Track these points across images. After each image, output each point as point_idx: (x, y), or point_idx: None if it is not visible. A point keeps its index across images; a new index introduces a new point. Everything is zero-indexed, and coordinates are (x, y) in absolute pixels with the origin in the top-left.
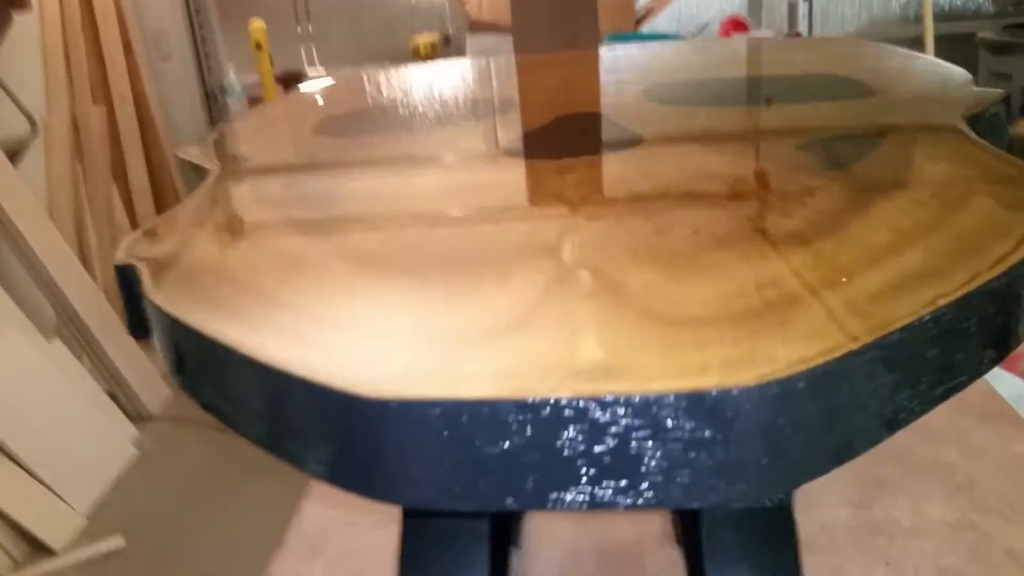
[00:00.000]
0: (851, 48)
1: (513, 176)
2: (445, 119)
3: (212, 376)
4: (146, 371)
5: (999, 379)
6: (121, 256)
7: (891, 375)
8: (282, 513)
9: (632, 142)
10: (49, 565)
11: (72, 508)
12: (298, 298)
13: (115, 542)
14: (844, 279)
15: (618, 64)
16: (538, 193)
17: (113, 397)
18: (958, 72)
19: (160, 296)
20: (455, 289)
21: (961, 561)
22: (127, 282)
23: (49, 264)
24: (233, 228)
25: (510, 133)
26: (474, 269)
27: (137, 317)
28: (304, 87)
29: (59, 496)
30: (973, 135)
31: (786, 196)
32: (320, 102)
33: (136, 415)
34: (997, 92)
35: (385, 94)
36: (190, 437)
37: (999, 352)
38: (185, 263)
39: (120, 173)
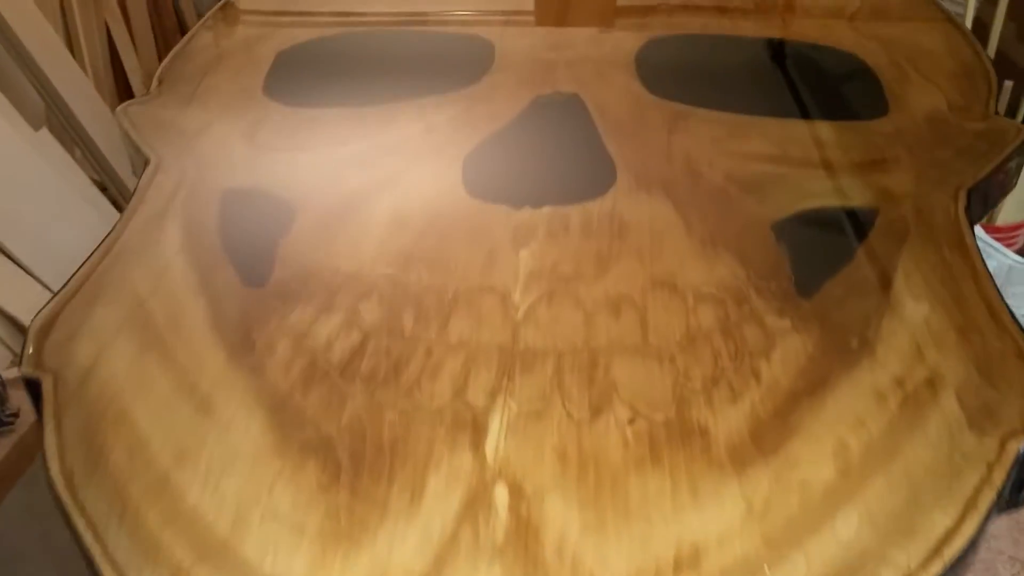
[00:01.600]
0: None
1: (462, 248)
2: (416, 96)
3: None
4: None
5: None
6: (28, 362)
7: None
8: None
9: (605, 181)
10: None
11: None
12: (193, 491)
13: None
14: (766, 566)
15: None
16: (483, 291)
17: (103, 189)
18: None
19: (55, 464)
20: (362, 500)
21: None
22: (36, 393)
23: (32, 47)
24: (148, 329)
25: (477, 129)
26: (388, 465)
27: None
28: None
29: (52, 291)
30: (969, 235)
31: (740, 355)
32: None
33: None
34: (1017, 131)
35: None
36: None
37: None
38: (91, 389)
39: None
